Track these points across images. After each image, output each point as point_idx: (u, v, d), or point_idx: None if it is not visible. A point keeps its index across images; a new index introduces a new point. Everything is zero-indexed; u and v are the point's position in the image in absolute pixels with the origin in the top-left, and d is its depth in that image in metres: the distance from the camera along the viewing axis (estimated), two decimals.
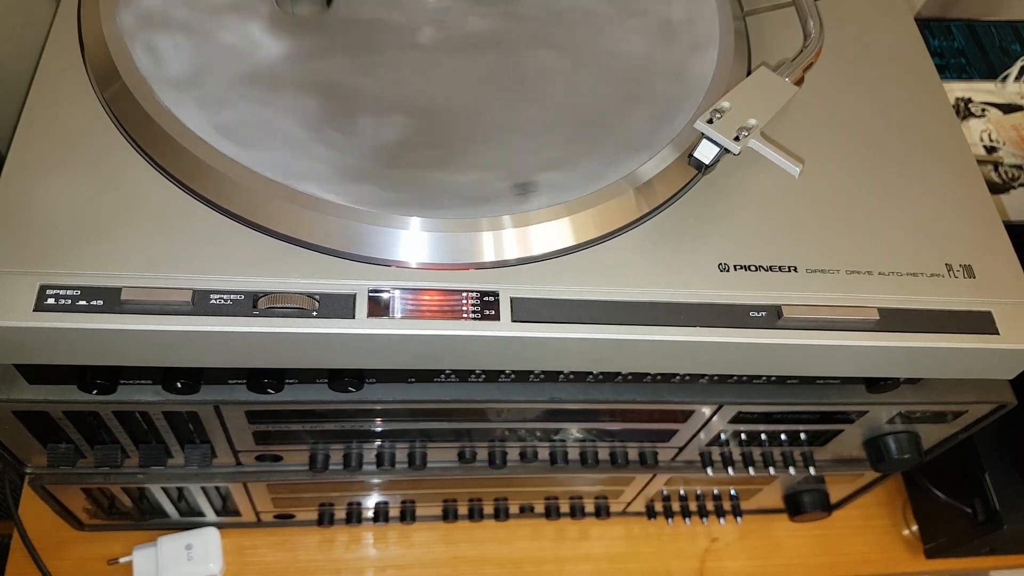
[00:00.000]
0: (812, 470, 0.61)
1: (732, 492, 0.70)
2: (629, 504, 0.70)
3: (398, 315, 0.38)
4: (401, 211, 0.40)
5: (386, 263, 0.39)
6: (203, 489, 0.58)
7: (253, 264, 0.38)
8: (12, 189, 0.39)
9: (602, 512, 0.70)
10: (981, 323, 0.43)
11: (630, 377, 0.50)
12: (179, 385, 0.44)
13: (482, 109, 0.45)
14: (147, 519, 0.63)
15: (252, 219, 0.39)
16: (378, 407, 0.49)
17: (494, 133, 0.44)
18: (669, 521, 0.73)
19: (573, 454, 0.58)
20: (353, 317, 0.38)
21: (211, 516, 0.64)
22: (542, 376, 0.49)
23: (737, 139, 0.41)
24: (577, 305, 0.40)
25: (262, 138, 0.41)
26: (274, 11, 0.47)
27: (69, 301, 0.36)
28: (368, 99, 0.45)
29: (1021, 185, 0.73)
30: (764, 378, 0.51)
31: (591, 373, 0.49)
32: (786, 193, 0.45)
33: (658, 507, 0.71)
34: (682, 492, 0.70)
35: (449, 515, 0.68)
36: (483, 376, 0.48)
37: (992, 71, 0.81)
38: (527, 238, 0.41)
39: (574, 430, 0.55)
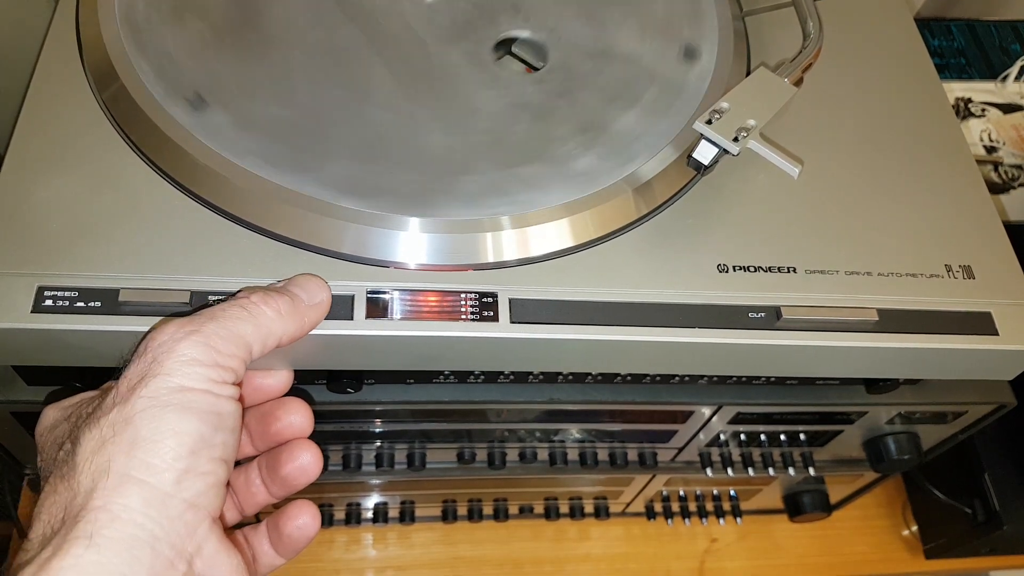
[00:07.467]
0: (812, 471, 0.61)
1: (732, 493, 0.70)
2: (629, 505, 0.70)
3: (397, 316, 0.38)
4: (400, 212, 0.40)
5: (385, 264, 0.39)
6: None
7: (251, 265, 0.38)
8: (10, 190, 0.39)
9: (601, 513, 0.70)
10: (980, 324, 0.43)
11: (629, 378, 0.50)
12: None
13: (481, 110, 0.45)
14: None
15: (250, 220, 0.39)
16: (377, 408, 0.49)
17: (493, 134, 0.44)
18: (669, 522, 0.73)
19: (572, 455, 0.58)
20: (352, 318, 0.38)
21: None
22: (541, 377, 0.49)
23: (736, 140, 0.41)
24: (576, 306, 0.40)
25: (260, 140, 0.41)
26: (275, 13, 0.47)
27: (67, 302, 0.36)
28: (368, 100, 0.44)
29: (1021, 185, 0.73)
30: (763, 379, 0.51)
31: (590, 374, 0.49)
32: (785, 194, 0.45)
33: (658, 508, 0.71)
34: (682, 493, 0.69)
35: (448, 516, 0.68)
36: (482, 377, 0.48)
37: (992, 71, 0.81)
38: (526, 239, 0.40)
39: (573, 431, 0.55)
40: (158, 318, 0.36)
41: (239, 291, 0.35)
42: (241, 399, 0.33)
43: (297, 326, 0.35)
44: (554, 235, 0.41)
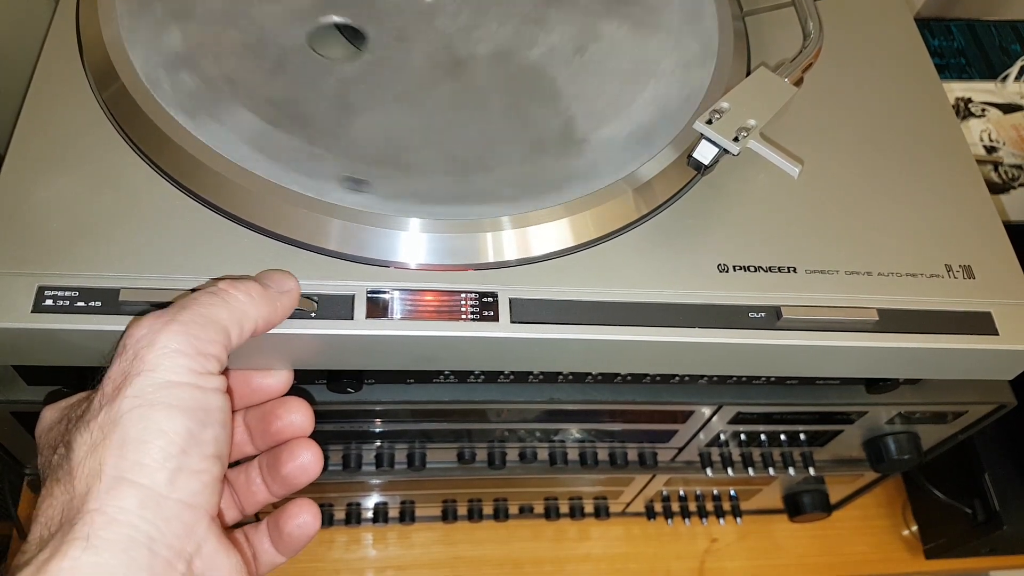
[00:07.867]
0: (812, 471, 0.61)
1: (732, 493, 0.70)
2: (629, 504, 0.70)
3: (397, 316, 0.38)
4: (400, 212, 0.40)
5: (385, 264, 0.39)
6: None
7: (252, 265, 0.38)
8: (10, 189, 0.39)
9: (601, 512, 0.70)
10: (980, 324, 0.43)
11: (629, 378, 0.50)
12: None
13: (481, 109, 0.45)
14: None
15: (251, 220, 0.39)
16: (377, 408, 0.49)
17: (493, 134, 0.44)
18: (669, 522, 0.73)
19: (572, 455, 0.58)
20: (352, 318, 0.38)
21: None
22: (541, 377, 0.49)
23: (736, 140, 0.41)
24: (576, 306, 0.40)
25: (261, 139, 0.41)
26: (273, 13, 0.47)
27: (67, 302, 0.36)
28: (368, 102, 0.44)
29: (1021, 185, 0.73)
30: (763, 379, 0.51)
31: (590, 374, 0.48)
32: (785, 194, 0.45)
33: (658, 507, 0.71)
34: (682, 493, 0.69)
35: (448, 516, 0.68)
36: (482, 377, 0.48)
37: (992, 71, 0.81)
38: (526, 239, 0.40)
39: (573, 431, 0.55)
40: None
41: (207, 282, 0.36)
42: (229, 391, 0.33)
43: (270, 310, 0.35)
44: (554, 235, 0.41)
